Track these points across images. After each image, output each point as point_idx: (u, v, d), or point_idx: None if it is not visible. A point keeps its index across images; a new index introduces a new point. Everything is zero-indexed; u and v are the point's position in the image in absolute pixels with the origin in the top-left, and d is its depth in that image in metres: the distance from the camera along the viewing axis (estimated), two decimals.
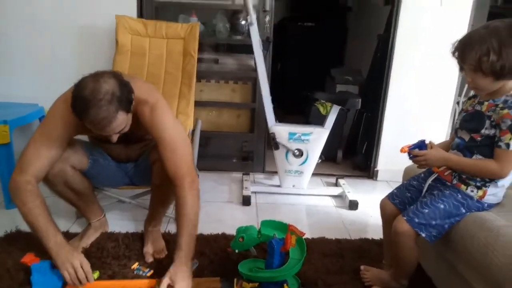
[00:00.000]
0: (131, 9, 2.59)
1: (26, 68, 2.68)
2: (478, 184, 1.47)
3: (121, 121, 1.49)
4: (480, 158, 1.45)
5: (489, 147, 1.43)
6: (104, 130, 1.48)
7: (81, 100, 1.42)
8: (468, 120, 1.51)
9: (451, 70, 2.64)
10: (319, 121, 2.65)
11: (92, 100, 1.40)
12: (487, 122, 1.42)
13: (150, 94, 1.65)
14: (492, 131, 1.41)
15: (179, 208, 1.58)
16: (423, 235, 1.45)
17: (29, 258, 1.65)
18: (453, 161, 1.49)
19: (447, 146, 1.61)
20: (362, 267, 1.77)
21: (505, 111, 1.37)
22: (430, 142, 1.54)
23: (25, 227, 1.80)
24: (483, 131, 1.43)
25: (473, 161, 1.47)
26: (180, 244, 1.56)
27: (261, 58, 2.43)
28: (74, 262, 1.54)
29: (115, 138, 1.57)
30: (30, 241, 1.85)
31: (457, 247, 1.46)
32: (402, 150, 1.53)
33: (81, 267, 1.55)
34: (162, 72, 2.39)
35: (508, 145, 1.37)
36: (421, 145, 1.53)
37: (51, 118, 1.62)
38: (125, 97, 1.48)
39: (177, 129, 1.65)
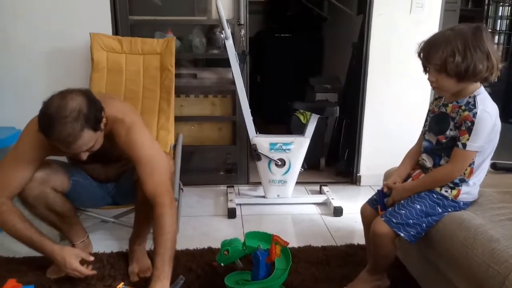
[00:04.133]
0: (106, 28, 2.59)
1: (1, 91, 2.65)
2: (451, 184, 1.50)
3: (88, 140, 1.48)
4: (446, 161, 1.49)
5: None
6: (70, 148, 1.47)
7: (46, 117, 1.42)
8: (435, 123, 1.54)
9: (425, 75, 2.70)
10: (301, 129, 2.68)
11: (57, 117, 1.40)
12: (451, 124, 1.46)
13: (127, 114, 1.64)
14: (455, 132, 1.45)
15: (158, 227, 1.54)
16: (402, 234, 1.46)
17: (10, 285, 1.59)
18: (413, 189, 1.54)
19: (414, 154, 1.65)
20: None
21: (466, 112, 1.40)
22: (385, 186, 1.60)
23: (4, 253, 1.78)
24: (447, 132, 1.47)
25: (429, 175, 1.53)
26: (157, 263, 1.51)
27: (238, 72, 2.45)
28: (71, 259, 1.63)
29: (84, 156, 1.55)
30: (11, 267, 1.83)
31: (438, 248, 1.49)
32: (381, 214, 1.57)
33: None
34: (140, 88, 2.38)
35: (464, 145, 1.40)
36: (382, 196, 1.61)
37: (23, 139, 1.62)
38: (93, 115, 1.47)
39: (155, 149, 1.65)
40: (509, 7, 3.70)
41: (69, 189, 1.77)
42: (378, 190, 1.64)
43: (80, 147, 1.48)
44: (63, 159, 1.84)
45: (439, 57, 1.36)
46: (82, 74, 2.49)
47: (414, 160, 1.65)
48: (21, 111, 1.88)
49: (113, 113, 1.59)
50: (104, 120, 1.55)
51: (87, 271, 1.67)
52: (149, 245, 2.02)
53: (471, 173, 1.49)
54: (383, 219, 1.49)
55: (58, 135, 1.42)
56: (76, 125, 1.41)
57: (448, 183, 1.50)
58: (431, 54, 1.39)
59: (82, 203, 1.91)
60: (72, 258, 1.64)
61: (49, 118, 1.41)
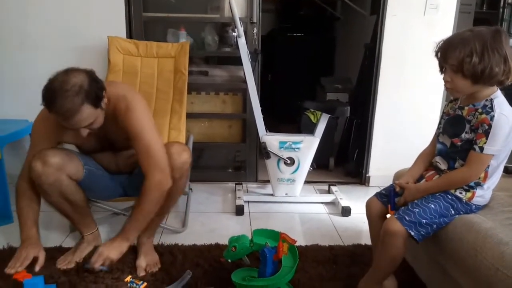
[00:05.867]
0: (120, 25, 2.61)
1: (16, 86, 2.69)
2: (466, 187, 1.49)
3: (88, 115, 1.55)
4: (460, 164, 1.49)
5: (469, 152, 1.45)
6: (70, 122, 1.54)
7: (49, 90, 1.50)
8: (450, 125, 1.53)
9: (438, 77, 2.68)
10: (310, 129, 2.67)
11: (59, 91, 1.48)
12: (467, 126, 1.45)
13: (129, 92, 1.73)
14: (471, 135, 1.44)
15: (139, 200, 1.69)
16: (412, 233, 1.44)
17: (21, 274, 1.64)
18: (427, 190, 1.53)
19: (427, 155, 1.65)
20: None
21: (483, 115, 1.39)
22: (397, 185, 1.59)
23: (16, 244, 1.81)
24: (463, 135, 1.46)
25: (445, 177, 1.52)
26: (125, 227, 1.70)
27: (250, 70, 2.46)
28: (29, 252, 1.69)
29: (84, 133, 1.62)
30: None
31: (447, 250, 1.47)
32: (391, 213, 1.57)
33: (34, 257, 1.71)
34: (154, 90, 2.44)
35: (481, 148, 1.39)
36: (393, 195, 1.60)
37: (35, 127, 1.76)
38: (94, 91, 1.55)
39: (151, 129, 1.71)
40: None
41: (83, 177, 1.80)
42: (390, 187, 1.62)
43: (79, 122, 1.55)
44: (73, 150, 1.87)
45: (456, 56, 1.35)
46: (98, 75, 2.49)
47: (427, 161, 1.64)
48: (35, 105, 1.92)
49: (116, 92, 1.68)
50: (105, 99, 1.63)
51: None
52: (157, 239, 2.04)
53: (486, 177, 1.48)
54: (395, 216, 1.47)
55: (59, 108, 1.50)
56: (77, 99, 1.49)
57: (463, 186, 1.49)
58: (449, 53, 1.38)
59: (94, 193, 1.92)
60: (30, 256, 1.71)
61: (52, 92, 1.50)
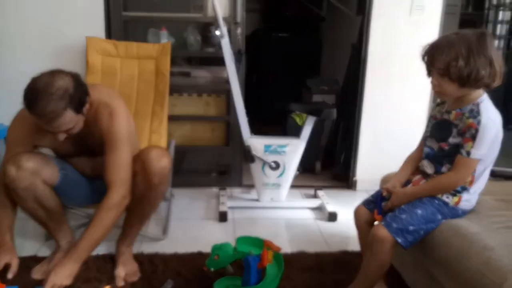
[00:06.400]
0: (99, 24, 2.55)
1: None
2: (452, 191, 1.50)
3: (69, 120, 1.53)
4: (448, 168, 1.49)
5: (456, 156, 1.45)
6: (50, 125, 1.52)
7: (33, 91, 1.47)
8: (437, 129, 1.54)
9: (425, 78, 2.67)
10: (296, 132, 2.63)
11: (43, 93, 1.46)
12: (454, 131, 1.46)
13: (112, 99, 1.71)
14: (458, 139, 1.44)
15: (98, 216, 1.62)
16: (399, 240, 1.45)
17: None
18: (413, 195, 1.52)
19: (414, 159, 1.64)
20: None
21: (470, 120, 1.41)
22: (385, 189, 1.58)
23: None
24: (450, 139, 1.46)
25: (432, 181, 1.52)
26: (78, 245, 1.60)
27: (234, 71, 2.41)
28: (1, 259, 1.68)
29: (61, 137, 1.59)
30: None
31: (434, 255, 1.49)
32: (378, 219, 1.56)
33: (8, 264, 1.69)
34: (134, 92, 2.38)
35: (468, 153, 1.40)
36: (380, 199, 1.59)
37: (12, 129, 1.74)
38: (78, 97, 1.53)
39: (129, 143, 1.69)
40: (510, 12, 3.66)
41: (58, 181, 1.75)
42: (377, 192, 1.62)
43: (59, 126, 1.53)
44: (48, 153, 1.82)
45: (443, 60, 1.37)
46: None
47: (414, 165, 1.64)
48: (11, 107, 1.86)
49: (99, 97, 1.66)
50: (87, 105, 1.60)
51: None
52: (137, 247, 1.98)
53: (472, 181, 1.49)
54: (383, 223, 1.47)
55: (41, 110, 1.47)
56: (60, 103, 1.47)
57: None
58: (435, 57, 1.40)
59: (70, 198, 1.87)
60: (2, 263, 1.69)
61: (35, 93, 1.46)
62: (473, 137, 1.39)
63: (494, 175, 1.94)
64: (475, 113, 1.40)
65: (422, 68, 1.48)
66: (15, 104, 1.75)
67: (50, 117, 1.48)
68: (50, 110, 1.46)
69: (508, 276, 1.18)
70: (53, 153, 1.85)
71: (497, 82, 1.38)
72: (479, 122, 1.38)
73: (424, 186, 1.53)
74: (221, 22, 2.32)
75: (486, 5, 3.67)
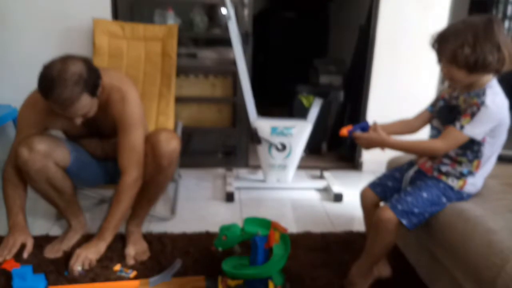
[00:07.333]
0: (106, 5, 2.52)
1: None
2: (458, 175, 1.51)
3: (85, 104, 1.55)
4: (455, 153, 1.49)
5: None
6: (67, 111, 1.54)
7: (47, 79, 1.48)
8: (444, 112, 1.53)
9: (433, 60, 2.64)
10: (303, 113, 2.63)
11: (58, 80, 1.47)
12: (460, 115, 1.44)
13: (123, 82, 1.73)
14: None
15: (117, 198, 1.72)
16: (404, 222, 1.46)
17: (9, 264, 1.65)
18: (390, 143, 1.50)
19: (408, 123, 1.65)
20: None
21: (475, 99, 1.41)
22: (374, 124, 1.54)
23: (4, 233, 1.81)
24: (456, 123, 1.45)
25: (416, 142, 1.51)
26: (103, 227, 1.74)
27: (241, 53, 2.40)
28: (16, 239, 1.74)
29: (78, 121, 1.62)
30: None
31: (437, 237, 1.50)
32: (341, 133, 1.56)
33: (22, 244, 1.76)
34: (141, 74, 2.37)
35: (462, 127, 1.40)
36: (364, 126, 1.55)
37: (22, 113, 1.74)
38: (92, 81, 1.55)
39: (141, 126, 1.74)
40: None
41: (70, 163, 1.77)
42: (364, 122, 1.60)
43: (76, 111, 1.55)
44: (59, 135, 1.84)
45: (449, 49, 1.37)
46: None
47: (405, 129, 1.65)
48: (19, 90, 1.87)
49: (110, 81, 1.67)
50: (100, 88, 1.61)
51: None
52: (146, 227, 2.01)
53: (478, 166, 1.49)
54: (388, 205, 1.48)
55: (57, 97, 1.48)
56: (76, 89, 1.48)
57: (455, 174, 1.50)
58: (442, 46, 1.40)
59: (81, 180, 1.90)
60: (18, 243, 1.76)
61: (51, 80, 1.47)
62: (473, 114, 1.38)
63: (500, 158, 1.95)
64: (481, 94, 1.40)
65: (430, 50, 1.46)
66: (23, 86, 1.76)
67: (67, 103, 1.50)
68: (67, 97, 1.48)
69: (510, 258, 1.19)
70: (64, 135, 1.86)
71: (507, 66, 1.37)
72: (482, 103, 1.38)
73: (407, 142, 1.51)
74: (228, 3, 2.29)
75: None
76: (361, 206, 1.70)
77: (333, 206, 2.42)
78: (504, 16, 3.65)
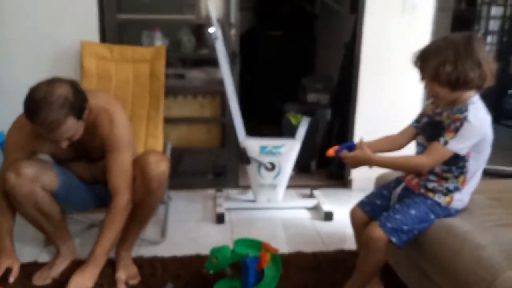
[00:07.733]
0: (93, 27, 2.53)
1: None
2: (445, 191, 1.52)
3: (71, 127, 1.54)
4: (440, 169, 1.50)
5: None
6: (53, 134, 1.53)
7: (33, 101, 1.49)
8: (428, 129, 1.56)
9: (417, 76, 2.69)
10: (292, 132, 2.64)
11: (44, 102, 1.47)
12: (444, 131, 1.46)
13: (111, 104, 1.73)
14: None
15: (108, 221, 1.70)
16: (394, 240, 1.47)
17: None
18: (376, 161, 1.52)
19: (394, 139, 1.68)
20: None
21: (457, 115, 1.43)
22: (361, 142, 1.57)
23: None
24: (440, 138, 1.46)
25: (402, 158, 1.54)
26: (95, 251, 1.69)
27: (228, 73, 2.41)
28: (2, 263, 1.71)
29: (64, 144, 1.60)
30: None
31: (427, 254, 1.51)
32: (327, 154, 1.60)
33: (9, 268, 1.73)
34: (129, 95, 2.38)
35: (446, 142, 1.42)
36: (350, 146, 1.58)
37: (10, 137, 1.73)
38: (78, 103, 1.55)
39: (130, 147, 1.74)
40: (502, 7, 3.70)
41: (58, 188, 1.76)
42: (350, 142, 1.63)
43: (62, 134, 1.54)
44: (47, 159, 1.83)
45: (431, 66, 1.39)
46: None
47: (392, 143, 1.68)
48: (6, 114, 1.86)
49: (97, 103, 1.67)
50: (87, 111, 1.61)
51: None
52: (136, 251, 1.99)
53: (464, 181, 1.51)
54: (377, 223, 1.49)
55: (43, 120, 1.47)
56: (62, 111, 1.48)
57: (442, 190, 1.52)
58: (424, 64, 1.43)
59: (70, 204, 1.88)
60: (3, 267, 1.73)
61: (36, 103, 1.47)
62: (456, 130, 1.40)
63: (485, 173, 1.97)
64: (463, 110, 1.42)
65: (414, 68, 1.49)
66: (12, 110, 1.75)
67: (53, 126, 1.49)
68: (52, 119, 1.47)
69: (500, 273, 1.21)
70: (51, 159, 1.85)
71: (489, 82, 1.40)
72: (465, 118, 1.40)
73: (390, 160, 1.53)
74: (215, 23, 2.31)
75: (479, 1, 3.70)
76: (351, 225, 1.71)
77: (323, 225, 2.41)
78: (486, 32, 3.75)
